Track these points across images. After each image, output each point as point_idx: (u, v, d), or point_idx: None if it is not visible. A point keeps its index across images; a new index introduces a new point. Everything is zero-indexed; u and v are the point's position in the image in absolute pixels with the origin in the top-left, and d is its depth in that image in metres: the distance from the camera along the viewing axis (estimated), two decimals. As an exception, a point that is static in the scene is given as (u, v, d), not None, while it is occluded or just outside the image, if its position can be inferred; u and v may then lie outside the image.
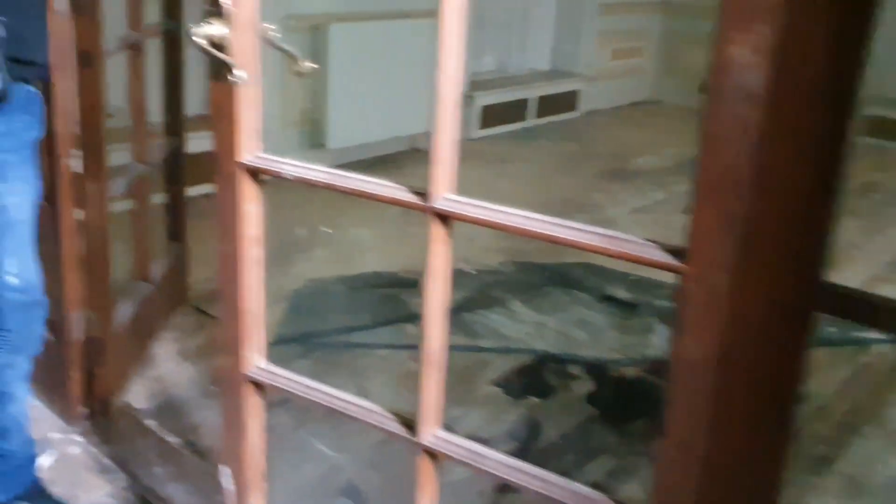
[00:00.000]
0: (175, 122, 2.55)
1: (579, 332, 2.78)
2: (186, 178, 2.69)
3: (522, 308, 2.88)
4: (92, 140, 1.87)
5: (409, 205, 1.06)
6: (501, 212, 1.00)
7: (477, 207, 1.02)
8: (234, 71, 1.11)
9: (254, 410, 1.32)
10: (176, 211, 2.65)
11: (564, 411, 2.38)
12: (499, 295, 2.92)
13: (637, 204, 3.99)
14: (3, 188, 1.45)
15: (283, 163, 1.18)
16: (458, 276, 3.05)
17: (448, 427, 1.18)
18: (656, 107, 6.02)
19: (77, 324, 1.97)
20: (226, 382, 1.32)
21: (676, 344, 0.92)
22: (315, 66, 1.22)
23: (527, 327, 2.75)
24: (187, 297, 2.76)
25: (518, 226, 0.98)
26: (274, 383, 1.28)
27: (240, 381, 1.30)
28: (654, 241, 0.93)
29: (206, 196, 3.66)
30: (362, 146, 4.27)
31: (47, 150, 1.80)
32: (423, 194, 1.05)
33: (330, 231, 2.89)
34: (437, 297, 1.09)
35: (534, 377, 2.50)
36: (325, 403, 1.23)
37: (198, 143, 2.97)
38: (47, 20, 1.57)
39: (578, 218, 3.83)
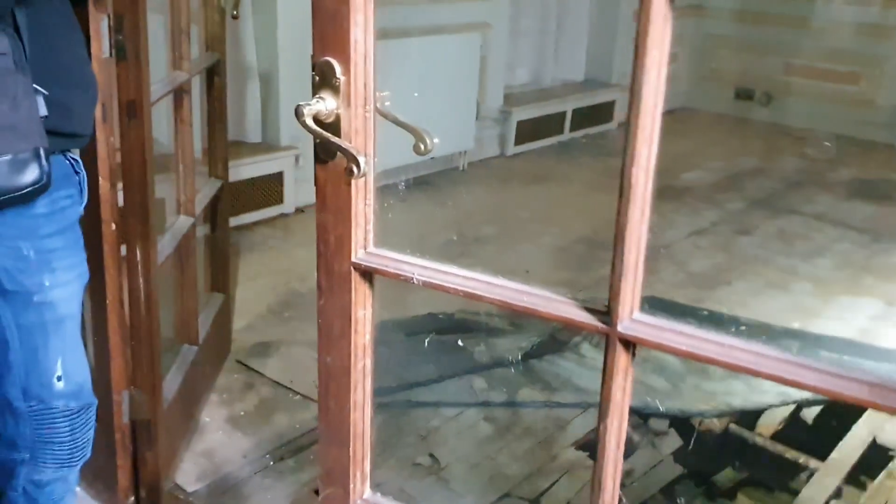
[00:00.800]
0: (218, 163, 2.32)
1: (658, 378, 2.55)
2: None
3: (594, 352, 2.65)
4: (138, 202, 1.65)
5: (586, 326, 0.84)
6: (712, 341, 0.78)
7: (677, 333, 0.79)
8: (357, 158, 0.89)
9: (363, 549, 1.10)
10: (218, 259, 2.43)
11: (651, 472, 2.16)
12: (566, 337, 2.69)
13: (693, 226, 3.75)
14: (50, 280, 1.23)
15: (406, 262, 0.96)
16: (523, 318, 2.84)
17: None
18: (692, 114, 5.78)
19: (123, 406, 1.75)
20: (328, 516, 1.10)
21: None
22: (437, 140, 0.99)
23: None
24: (230, 351, 2.54)
25: (740, 363, 0.76)
26: (390, 521, 1.06)
27: (346, 516, 1.08)
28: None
29: (237, 229, 3.45)
30: (401, 168, 4.04)
31: (90, 216, 1.59)
32: (603, 313, 0.83)
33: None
34: (613, 440, 0.86)
35: (618, 437, 2.27)
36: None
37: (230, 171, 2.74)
38: (96, 90, 1.35)
39: None
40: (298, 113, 0.91)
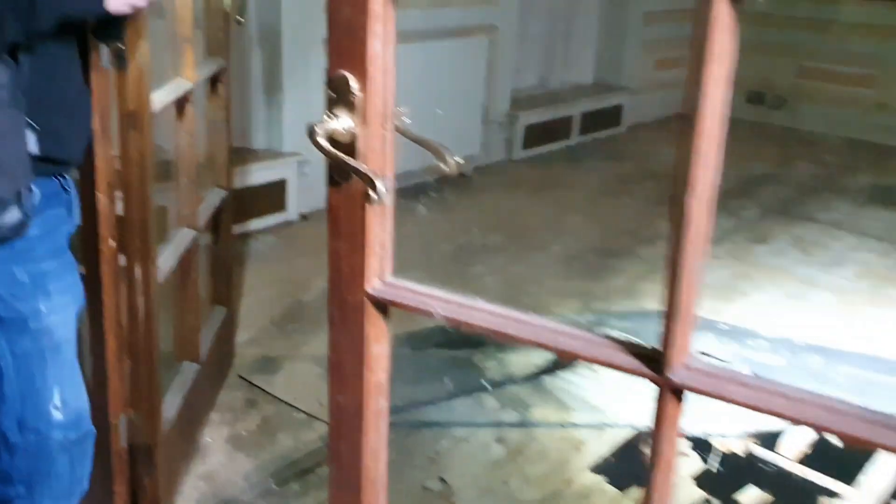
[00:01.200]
0: (222, 173, 2.24)
1: (675, 396, 2.45)
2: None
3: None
4: (138, 218, 1.57)
5: (633, 372, 0.75)
6: (777, 393, 0.69)
7: (737, 384, 0.71)
8: (375, 182, 0.80)
9: None
10: (221, 271, 2.34)
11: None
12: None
13: (707, 234, 3.66)
14: (45, 306, 1.16)
15: (427, 294, 0.87)
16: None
17: None
18: (702, 119, 5.68)
19: (120, 429, 1.67)
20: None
21: None
22: (462, 161, 0.91)
23: (617, 392, 2.43)
24: (232, 366, 2.46)
25: (809, 419, 0.67)
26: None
27: (360, 568, 0.99)
28: None
29: (240, 237, 3.36)
30: (403, 174, 3.95)
31: (87, 233, 1.51)
32: (652, 358, 0.74)
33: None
34: (660, 496, 0.78)
35: (635, 459, 2.18)
36: None
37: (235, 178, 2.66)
38: (90, 119, 1.28)
39: (646, 253, 3.47)
40: (311, 132, 0.82)
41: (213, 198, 2.20)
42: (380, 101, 0.84)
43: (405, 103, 0.88)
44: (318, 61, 3.57)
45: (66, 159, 1.19)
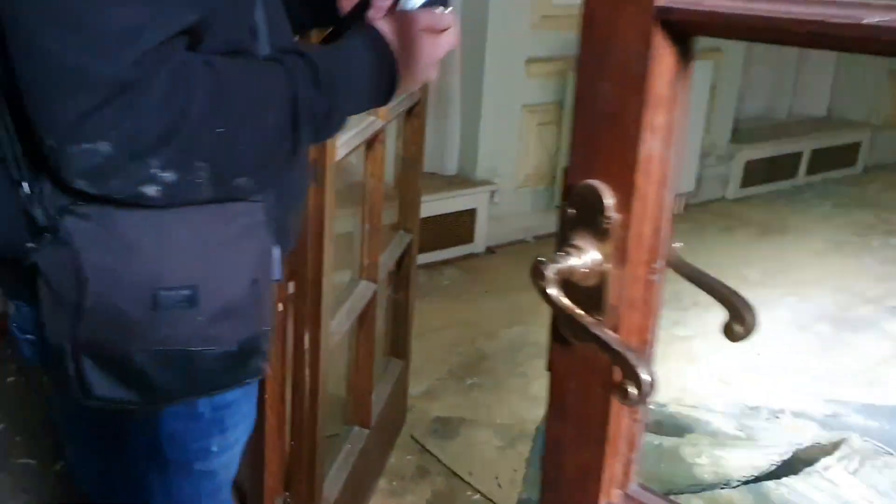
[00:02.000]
0: (409, 215, 2.02)
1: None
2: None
3: (848, 478, 2.08)
4: (311, 281, 1.36)
5: None
6: None
7: None
8: (638, 373, 0.49)
9: None
10: (401, 321, 2.13)
11: None
12: (813, 456, 2.14)
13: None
14: (219, 444, 0.94)
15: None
16: (758, 423, 2.32)
17: None
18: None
19: (276, 514, 1.48)
20: None
21: None
22: (757, 315, 0.59)
23: (860, 515, 1.96)
24: (405, 423, 2.24)
25: None
26: None
27: None
28: None
29: (419, 268, 3.16)
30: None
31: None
32: None
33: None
34: None
35: None
36: None
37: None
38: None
39: (892, 328, 2.77)
40: (538, 272, 0.53)
41: (398, 244, 1.98)
42: (648, 228, 0.53)
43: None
44: (519, 90, 3.33)
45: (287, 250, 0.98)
